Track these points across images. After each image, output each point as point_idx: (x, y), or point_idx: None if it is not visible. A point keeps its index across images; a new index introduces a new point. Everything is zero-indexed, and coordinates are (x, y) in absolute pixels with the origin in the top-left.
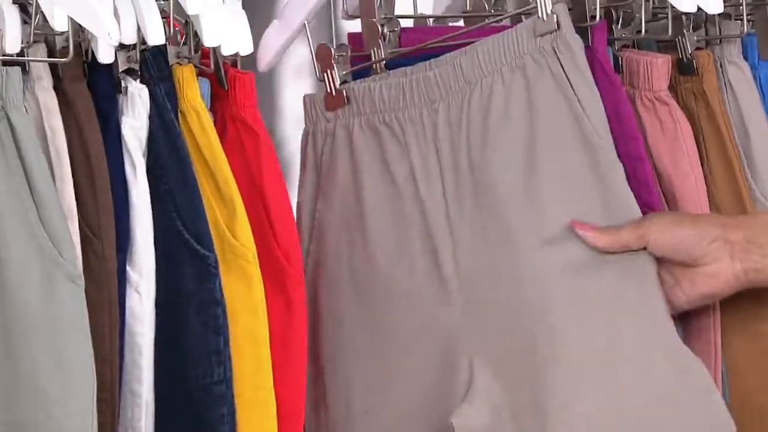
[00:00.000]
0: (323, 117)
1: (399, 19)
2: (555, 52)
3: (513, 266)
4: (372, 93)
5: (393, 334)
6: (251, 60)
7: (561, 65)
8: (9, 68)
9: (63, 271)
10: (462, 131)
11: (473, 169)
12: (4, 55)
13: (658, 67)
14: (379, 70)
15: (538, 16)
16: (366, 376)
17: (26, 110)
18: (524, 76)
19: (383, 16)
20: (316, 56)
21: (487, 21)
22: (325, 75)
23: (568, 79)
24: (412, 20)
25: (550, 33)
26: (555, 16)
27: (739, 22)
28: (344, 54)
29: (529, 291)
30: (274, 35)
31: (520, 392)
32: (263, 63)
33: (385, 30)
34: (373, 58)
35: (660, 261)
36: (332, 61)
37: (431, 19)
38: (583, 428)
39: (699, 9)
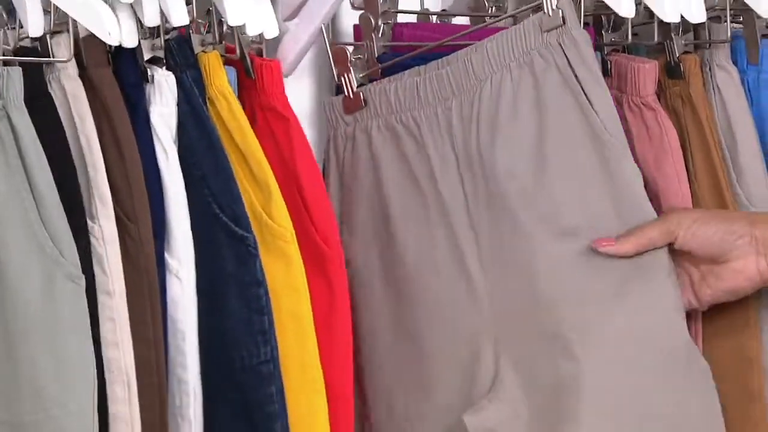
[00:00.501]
0: (342, 121)
1: (399, 14)
2: (561, 46)
3: (526, 260)
4: (388, 94)
5: (424, 335)
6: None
7: (567, 60)
8: (9, 68)
9: (63, 271)
10: (473, 127)
11: (484, 164)
12: (14, 50)
13: (646, 72)
14: (371, 65)
15: (544, 12)
16: (400, 379)
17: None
18: (532, 72)
19: (386, 10)
20: (333, 59)
21: (488, 20)
22: (342, 78)
23: (575, 74)
24: (415, 16)
25: (556, 28)
26: (560, 11)
27: (727, 25)
28: (361, 57)
29: (543, 285)
30: (294, 39)
31: (540, 390)
32: (284, 67)
33: (380, 23)
34: (365, 51)
35: (687, 257)
36: (349, 64)
37: (434, 16)
38: (599, 427)
39: (682, 17)
